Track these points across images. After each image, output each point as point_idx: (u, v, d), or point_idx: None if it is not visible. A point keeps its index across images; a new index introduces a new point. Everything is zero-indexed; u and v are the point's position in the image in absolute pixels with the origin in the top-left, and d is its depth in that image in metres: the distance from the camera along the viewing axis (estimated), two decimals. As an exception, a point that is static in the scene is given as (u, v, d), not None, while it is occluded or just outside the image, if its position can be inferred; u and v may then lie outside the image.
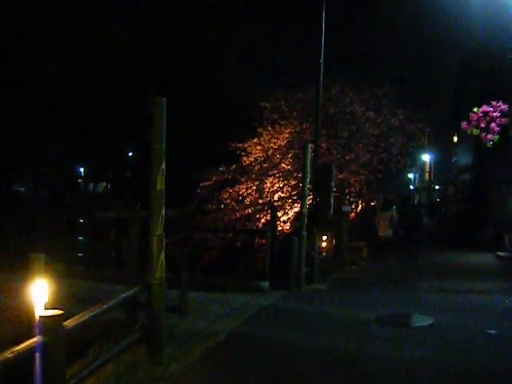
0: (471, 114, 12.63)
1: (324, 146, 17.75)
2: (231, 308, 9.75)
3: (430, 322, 8.89)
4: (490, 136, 12.39)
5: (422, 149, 60.53)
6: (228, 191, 18.33)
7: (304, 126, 17.99)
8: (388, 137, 17.51)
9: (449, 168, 51.63)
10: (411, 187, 73.27)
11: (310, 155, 11.89)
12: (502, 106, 12.44)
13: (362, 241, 22.52)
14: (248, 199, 18.21)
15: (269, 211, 17.94)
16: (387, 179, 31.52)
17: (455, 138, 48.86)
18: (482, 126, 12.46)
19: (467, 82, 33.82)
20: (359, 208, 33.03)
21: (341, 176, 17.95)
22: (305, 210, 11.57)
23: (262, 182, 17.92)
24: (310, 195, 15.64)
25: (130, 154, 59.93)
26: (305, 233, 11.65)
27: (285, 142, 18.05)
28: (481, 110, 12.56)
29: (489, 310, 10.11)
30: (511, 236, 20.58)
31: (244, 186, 18.23)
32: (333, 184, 13.01)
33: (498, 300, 11.34)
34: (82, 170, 58.66)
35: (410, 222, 25.87)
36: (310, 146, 17.82)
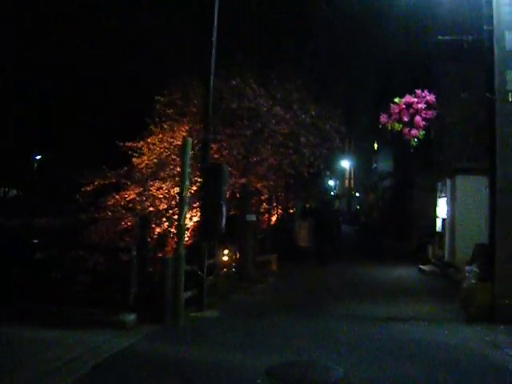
0: (392, 105, 10.41)
1: (224, 145, 15.30)
2: (68, 358, 7.04)
3: (337, 375, 6.50)
4: (414, 132, 10.15)
5: (340, 154, 59.77)
6: (114, 197, 15.55)
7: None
8: (298, 136, 15.15)
9: (369, 174, 50.47)
10: (332, 194, 72.94)
11: (188, 151, 9.34)
12: (429, 97, 10.25)
13: (273, 253, 20.26)
14: (138, 206, 15.49)
15: (164, 219, 15.45)
16: (302, 185, 29.73)
17: (376, 145, 48.05)
18: (405, 119, 10.26)
19: (389, 80, 32.21)
20: (274, 217, 31.09)
21: (243, 181, 15.50)
22: (183, 222, 9.02)
23: (149, 187, 15.26)
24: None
25: (38, 157, 56.04)
26: (182, 250, 9.07)
27: (181, 141, 15.48)
28: (403, 100, 10.34)
29: (417, 348, 7.81)
30: (434, 247, 18.74)
31: (132, 192, 15.50)
32: (225, 188, 10.47)
33: (427, 332, 9.14)
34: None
35: (327, 231, 23.80)
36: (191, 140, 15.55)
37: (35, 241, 10.50)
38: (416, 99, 10.34)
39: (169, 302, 8.96)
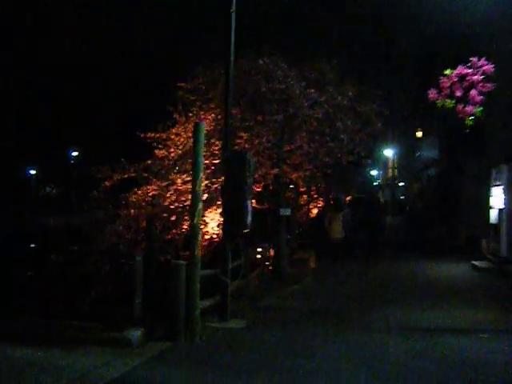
0: (442, 79, 8.84)
1: (254, 133, 13.94)
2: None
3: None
4: (469, 108, 8.60)
5: (382, 141, 57.77)
6: (136, 193, 14.32)
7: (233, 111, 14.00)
8: (334, 120, 13.62)
9: (414, 163, 48.32)
10: (375, 184, 70.83)
11: (202, 138, 7.92)
12: (486, 66, 8.66)
13: (311, 250, 18.83)
14: (165, 202, 14.21)
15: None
16: (342, 175, 28.11)
17: (419, 134, 45.99)
18: (458, 94, 8.69)
19: (435, 53, 30.13)
20: (315, 210, 29.60)
21: (275, 171, 14.09)
22: (197, 221, 7.64)
23: (174, 181, 13.98)
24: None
25: (75, 153, 55.80)
26: (198, 253, 7.70)
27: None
28: (455, 71, 8.77)
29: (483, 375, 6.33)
30: (489, 240, 16.97)
31: (155, 187, 14.23)
32: (250, 180, 9.08)
33: (490, 349, 7.59)
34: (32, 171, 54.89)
35: (372, 223, 22.30)
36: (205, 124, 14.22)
37: (32, 245, 9.29)
38: (471, 70, 8.76)
39: (182, 314, 7.62)
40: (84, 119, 27.48)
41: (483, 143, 20.03)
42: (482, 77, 8.59)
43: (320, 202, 29.83)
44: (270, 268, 15.19)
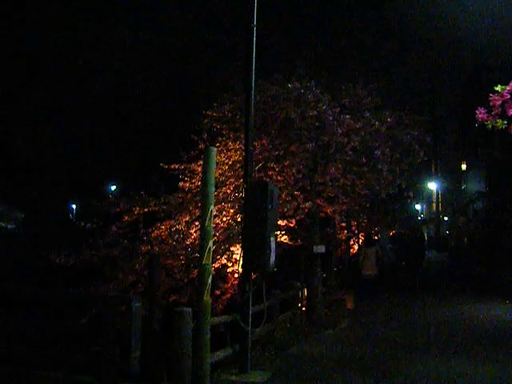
0: (492, 96, 7.70)
1: (286, 164, 12.98)
2: None
3: None
4: (524, 129, 7.46)
5: (426, 174, 56.10)
6: (159, 227, 13.43)
7: (262, 141, 13.05)
8: (371, 149, 12.49)
9: (459, 196, 46.60)
10: (419, 218, 68.92)
11: (213, 164, 6.88)
12: None
13: (350, 289, 17.56)
14: (188, 240, 13.25)
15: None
16: (384, 209, 26.83)
17: (463, 166, 44.47)
18: (511, 113, 7.54)
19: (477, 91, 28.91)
20: (356, 246, 28.33)
21: (307, 205, 13.01)
22: (206, 261, 6.56)
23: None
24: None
25: (113, 187, 55.87)
26: (208, 299, 6.62)
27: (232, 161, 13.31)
28: (507, 87, 7.62)
29: None
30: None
31: (174, 222, 13.33)
32: (273, 214, 8.00)
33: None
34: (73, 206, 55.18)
35: (411, 256, 21.47)
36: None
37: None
38: (526, 86, 7.61)
39: (187, 370, 6.52)
40: (119, 153, 27.10)
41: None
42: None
43: (362, 238, 28.64)
44: (304, 310, 13.99)
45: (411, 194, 14.24)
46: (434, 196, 62.24)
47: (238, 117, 13.22)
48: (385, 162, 12.96)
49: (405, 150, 13.74)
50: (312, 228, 13.86)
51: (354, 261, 23.49)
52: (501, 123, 7.54)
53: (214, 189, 6.84)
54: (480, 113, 7.75)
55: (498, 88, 7.68)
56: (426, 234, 67.65)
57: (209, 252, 6.54)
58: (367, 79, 13.82)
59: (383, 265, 22.33)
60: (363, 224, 28.59)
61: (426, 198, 67.43)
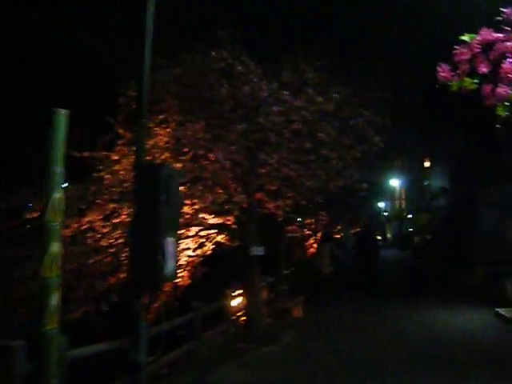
0: (458, 49, 5.75)
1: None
2: None
3: None
4: (503, 90, 5.52)
5: (389, 172, 54.83)
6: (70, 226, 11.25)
7: (190, 124, 11.00)
8: (316, 132, 10.53)
9: (422, 193, 45.31)
10: (383, 216, 67.86)
11: (61, 134, 4.67)
12: None
13: (299, 295, 15.61)
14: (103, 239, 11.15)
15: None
16: (342, 206, 25.06)
17: (427, 163, 43.25)
18: (484, 70, 5.59)
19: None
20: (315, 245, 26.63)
21: (239, 198, 11.03)
22: (51, 274, 4.40)
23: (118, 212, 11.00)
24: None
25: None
26: (53, 327, 4.53)
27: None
28: (478, 37, 5.68)
29: None
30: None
31: (93, 219, 11.20)
32: (171, 209, 5.95)
33: None
34: None
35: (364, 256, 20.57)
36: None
37: None
38: (502, 34, 5.67)
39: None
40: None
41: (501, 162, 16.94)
42: (519, 45, 5.51)
43: (318, 237, 26.94)
44: (242, 322, 12.01)
45: (364, 186, 12.34)
46: (398, 193, 61.34)
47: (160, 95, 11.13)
48: (332, 147, 11.04)
49: (359, 136, 11.87)
50: (249, 226, 11.90)
51: (311, 261, 21.82)
52: (469, 82, 5.60)
53: (61, 169, 4.74)
54: (442, 70, 5.80)
55: (466, 37, 5.73)
56: (389, 232, 66.63)
57: (52, 260, 4.47)
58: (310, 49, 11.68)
59: (340, 263, 20.86)
60: (323, 222, 26.91)
61: (390, 196, 66.29)
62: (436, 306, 15.18)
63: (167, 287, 9.96)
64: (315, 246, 26.19)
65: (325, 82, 11.10)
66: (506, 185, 17.42)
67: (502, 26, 5.60)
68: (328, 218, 26.63)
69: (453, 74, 5.72)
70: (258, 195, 12.10)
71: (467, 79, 5.64)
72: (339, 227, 30.26)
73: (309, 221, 24.55)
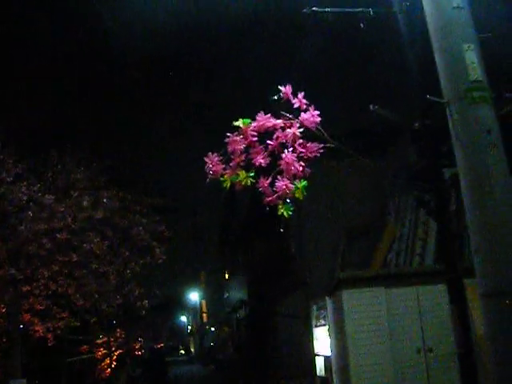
0: (230, 137, 4.65)
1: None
2: None
3: None
4: (283, 184, 4.49)
5: (190, 286, 53.97)
6: None
7: None
8: (79, 241, 9.04)
9: (222, 306, 44.65)
10: (188, 330, 66.38)
11: None
12: (312, 112, 4.63)
13: None
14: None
15: None
16: (139, 321, 23.64)
17: (226, 275, 43.15)
18: (261, 161, 4.53)
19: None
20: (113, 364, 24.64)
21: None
22: None
23: None
24: None
25: None
26: None
27: None
28: (254, 123, 4.65)
29: None
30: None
31: None
32: None
33: None
34: None
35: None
36: None
37: None
38: (280, 121, 4.68)
39: None
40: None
41: (297, 272, 16.49)
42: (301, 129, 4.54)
43: (115, 355, 25.20)
44: None
45: (145, 303, 10.97)
46: (198, 306, 60.74)
47: None
48: (109, 260, 9.55)
49: (140, 247, 10.52)
50: (12, 353, 9.82)
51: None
52: (244, 176, 4.50)
53: None
54: (211, 162, 4.65)
55: (239, 123, 4.68)
56: (192, 346, 64.86)
57: None
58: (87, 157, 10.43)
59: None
60: (120, 339, 25.21)
61: (192, 309, 65.28)
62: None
63: None
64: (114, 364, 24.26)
65: (96, 184, 9.72)
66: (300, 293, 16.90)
67: (280, 110, 4.65)
68: (125, 335, 25.11)
69: (224, 166, 4.59)
70: (27, 316, 10.18)
71: (242, 172, 4.54)
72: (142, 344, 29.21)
73: (104, 339, 23.03)
